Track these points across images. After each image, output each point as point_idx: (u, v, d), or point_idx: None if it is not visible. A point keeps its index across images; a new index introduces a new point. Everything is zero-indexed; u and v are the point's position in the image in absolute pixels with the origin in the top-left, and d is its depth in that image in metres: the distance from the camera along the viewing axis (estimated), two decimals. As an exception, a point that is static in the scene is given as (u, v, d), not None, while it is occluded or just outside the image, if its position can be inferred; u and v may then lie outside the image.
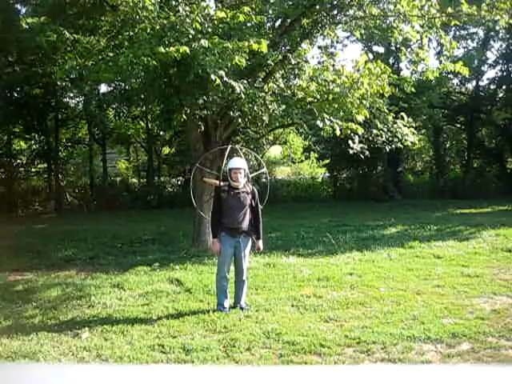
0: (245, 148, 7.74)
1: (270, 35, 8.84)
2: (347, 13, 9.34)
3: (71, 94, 20.31)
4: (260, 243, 6.00)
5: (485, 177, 22.76)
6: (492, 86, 22.71)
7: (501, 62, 21.77)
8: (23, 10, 14.67)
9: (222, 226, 5.75)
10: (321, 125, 8.71)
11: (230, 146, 7.61)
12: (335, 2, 8.84)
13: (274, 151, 27.41)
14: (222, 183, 6.32)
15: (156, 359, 4.46)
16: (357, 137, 9.55)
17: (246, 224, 5.76)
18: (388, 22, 9.48)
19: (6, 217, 16.23)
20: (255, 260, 8.24)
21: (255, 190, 5.99)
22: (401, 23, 9.08)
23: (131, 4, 6.79)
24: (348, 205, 18.96)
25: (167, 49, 6.64)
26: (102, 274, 7.73)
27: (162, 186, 21.66)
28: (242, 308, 5.77)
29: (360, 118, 8.76)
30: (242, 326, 5.22)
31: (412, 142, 10.65)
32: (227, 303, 5.78)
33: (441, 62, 10.22)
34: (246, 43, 6.94)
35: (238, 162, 5.89)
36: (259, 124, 10.13)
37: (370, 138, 10.20)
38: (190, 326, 5.25)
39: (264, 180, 22.47)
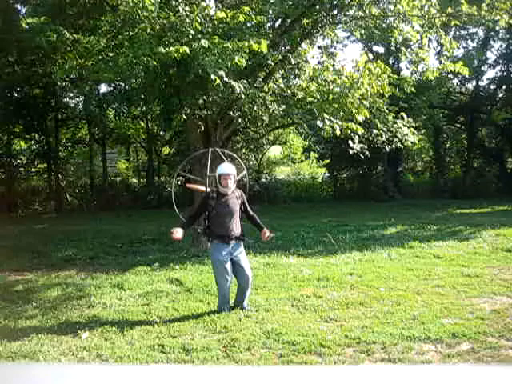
0: (226, 151, 7.70)
1: (270, 35, 8.84)
2: (347, 13, 9.34)
3: (71, 94, 20.33)
4: (266, 230, 5.79)
5: (485, 177, 22.76)
6: (492, 86, 22.72)
7: (501, 62, 21.77)
8: (23, 10, 14.67)
9: (212, 233, 5.66)
10: (321, 125, 8.72)
11: (210, 149, 7.56)
12: (335, 2, 8.84)
13: (274, 151, 27.40)
14: (208, 189, 6.28)
15: (156, 359, 4.45)
16: (357, 137, 9.54)
17: (237, 230, 5.68)
18: (388, 21, 9.49)
19: (6, 217, 16.23)
20: (255, 260, 8.24)
21: (243, 193, 5.94)
22: (401, 23, 9.08)
23: (131, 4, 6.78)
24: (348, 205, 18.96)
25: (167, 49, 6.64)
26: (101, 273, 7.73)
27: (161, 186, 21.66)
28: (242, 308, 5.74)
29: (360, 118, 8.76)
30: (241, 325, 5.22)
31: (412, 142, 10.64)
32: (227, 307, 5.76)
33: (441, 62, 10.21)
34: (246, 43, 6.94)
35: (227, 168, 5.77)
36: (259, 124, 10.14)
37: (370, 138, 10.19)
38: (189, 326, 5.25)
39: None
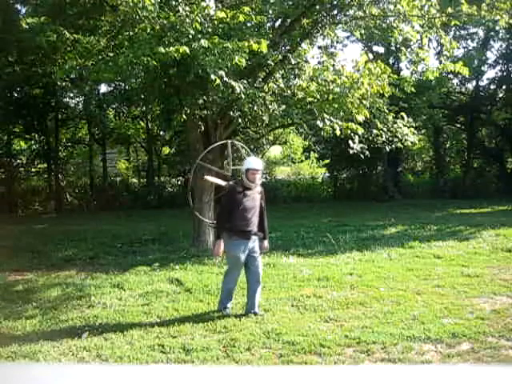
0: (239, 143, 7.63)
1: (270, 35, 8.84)
2: (347, 13, 9.35)
3: (71, 94, 20.31)
4: (266, 243, 5.87)
5: (485, 177, 22.77)
6: (492, 86, 22.71)
7: (501, 62, 21.77)
8: (23, 10, 14.67)
9: (234, 228, 5.50)
10: (321, 125, 8.71)
11: (229, 141, 7.47)
12: (335, 2, 8.85)
13: (274, 151, 27.41)
14: (230, 182, 6.13)
15: (156, 359, 4.45)
16: (357, 137, 9.54)
17: (256, 225, 5.62)
18: (388, 21, 9.48)
19: (6, 217, 16.23)
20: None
21: (263, 190, 5.85)
22: (401, 23, 9.08)
23: (131, 4, 6.78)
24: (348, 205, 18.95)
25: (167, 49, 6.63)
26: (101, 273, 7.72)
27: (161, 186, 21.67)
28: (255, 314, 5.55)
29: (360, 118, 8.76)
30: (242, 326, 5.22)
31: (412, 142, 10.65)
32: (230, 304, 5.72)
33: (441, 62, 10.22)
34: (246, 43, 6.94)
35: (257, 163, 5.64)
36: (259, 124, 10.14)
37: (370, 138, 10.20)
38: (189, 326, 5.24)
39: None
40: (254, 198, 5.60)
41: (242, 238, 5.52)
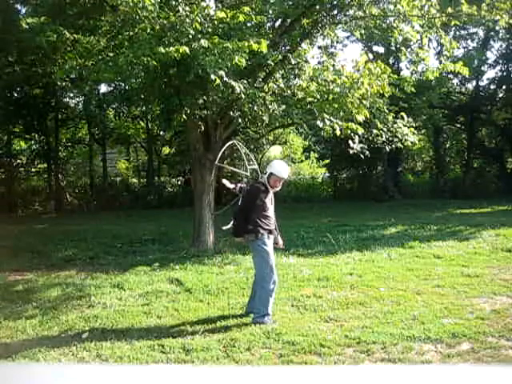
0: (240, 143, 7.61)
1: (270, 35, 8.85)
2: (347, 13, 9.34)
3: (71, 94, 20.34)
4: (280, 239, 5.84)
5: (485, 177, 22.79)
6: (492, 86, 22.73)
7: (501, 62, 21.79)
8: (23, 10, 14.67)
9: (260, 227, 5.44)
10: (321, 125, 8.71)
11: (235, 141, 7.42)
12: (335, 2, 8.84)
13: (274, 151, 27.40)
14: (242, 184, 6.12)
15: (156, 359, 4.45)
16: (357, 137, 9.54)
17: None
18: (388, 21, 9.48)
19: (6, 217, 16.24)
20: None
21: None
22: (401, 23, 9.08)
23: (131, 4, 6.78)
24: (348, 205, 18.95)
25: (167, 49, 6.64)
26: (101, 273, 7.72)
27: (161, 186, 21.69)
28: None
29: (360, 118, 8.76)
30: (242, 326, 5.22)
31: (412, 142, 10.64)
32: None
33: (441, 62, 10.22)
34: (246, 43, 6.94)
35: (284, 172, 5.60)
36: (259, 124, 10.14)
37: (370, 138, 10.19)
38: (189, 326, 5.25)
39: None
40: (273, 198, 5.68)
41: (269, 234, 5.52)
